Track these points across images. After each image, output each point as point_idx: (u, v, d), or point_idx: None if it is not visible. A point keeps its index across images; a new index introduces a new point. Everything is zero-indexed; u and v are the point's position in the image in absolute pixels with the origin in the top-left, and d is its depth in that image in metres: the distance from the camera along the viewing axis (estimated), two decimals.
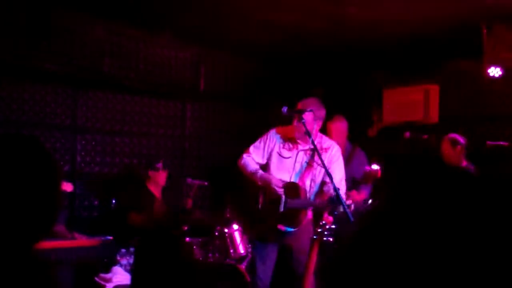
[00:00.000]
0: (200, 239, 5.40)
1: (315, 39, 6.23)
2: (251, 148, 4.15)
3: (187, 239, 5.24)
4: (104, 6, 5.41)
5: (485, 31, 5.31)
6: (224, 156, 4.55)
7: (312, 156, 3.94)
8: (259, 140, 4.16)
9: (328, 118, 4.79)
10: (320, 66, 7.43)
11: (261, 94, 7.20)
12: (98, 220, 5.86)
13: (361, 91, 7.33)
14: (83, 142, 5.99)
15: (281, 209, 3.90)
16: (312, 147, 3.80)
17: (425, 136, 5.16)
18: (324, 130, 4.97)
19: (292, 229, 3.97)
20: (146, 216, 5.31)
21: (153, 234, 5.02)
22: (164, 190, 5.72)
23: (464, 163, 5.15)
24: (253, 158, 4.12)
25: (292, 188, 3.91)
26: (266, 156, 4.08)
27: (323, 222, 4.61)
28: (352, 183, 4.86)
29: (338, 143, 4.96)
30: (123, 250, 4.65)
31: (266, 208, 4.01)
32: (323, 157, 3.73)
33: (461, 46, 5.97)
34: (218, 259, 5.37)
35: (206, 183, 6.00)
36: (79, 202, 5.94)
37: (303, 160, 4.01)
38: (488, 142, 5.42)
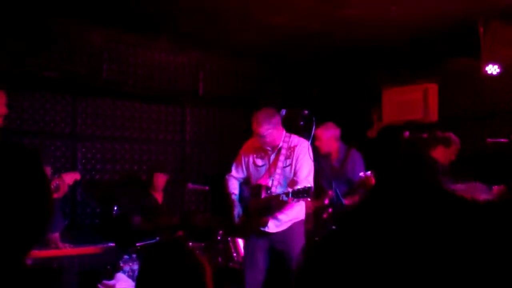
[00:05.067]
0: (202, 244, 5.40)
1: (314, 40, 6.23)
2: (232, 167, 4.38)
3: (189, 243, 5.24)
4: (102, 12, 5.41)
5: (482, 28, 5.30)
6: (225, 161, 4.55)
7: (276, 156, 4.11)
8: (237, 158, 4.37)
9: (318, 126, 4.77)
10: (319, 68, 7.43)
11: (261, 97, 7.20)
12: (101, 227, 5.85)
13: (360, 91, 7.33)
14: (84, 150, 5.99)
15: (236, 220, 4.15)
16: (279, 147, 4.09)
17: (425, 135, 5.14)
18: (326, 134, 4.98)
19: (265, 229, 4.06)
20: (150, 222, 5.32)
21: (158, 241, 5.02)
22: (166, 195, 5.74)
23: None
24: (234, 176, 4.33)
25: (255, 188, 4.14)
26: (244, 170, 4.29)
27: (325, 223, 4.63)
28: (348, 186, 4.81)
29: (331, 150, 4.97)
30: (126, 257, 4.65)
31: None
32: (292, 155, 4.02)
33: (459, 44, 5.98)
34: (221, 263, 5.37)
35: (207, 188, 6.00)
36: (81, 210, 5.94)
37: (276, 163, 4.14)
38: (488, 139, 5.41)
